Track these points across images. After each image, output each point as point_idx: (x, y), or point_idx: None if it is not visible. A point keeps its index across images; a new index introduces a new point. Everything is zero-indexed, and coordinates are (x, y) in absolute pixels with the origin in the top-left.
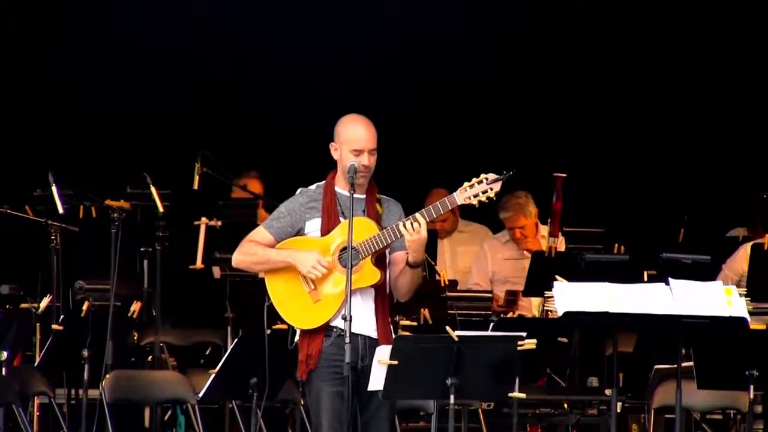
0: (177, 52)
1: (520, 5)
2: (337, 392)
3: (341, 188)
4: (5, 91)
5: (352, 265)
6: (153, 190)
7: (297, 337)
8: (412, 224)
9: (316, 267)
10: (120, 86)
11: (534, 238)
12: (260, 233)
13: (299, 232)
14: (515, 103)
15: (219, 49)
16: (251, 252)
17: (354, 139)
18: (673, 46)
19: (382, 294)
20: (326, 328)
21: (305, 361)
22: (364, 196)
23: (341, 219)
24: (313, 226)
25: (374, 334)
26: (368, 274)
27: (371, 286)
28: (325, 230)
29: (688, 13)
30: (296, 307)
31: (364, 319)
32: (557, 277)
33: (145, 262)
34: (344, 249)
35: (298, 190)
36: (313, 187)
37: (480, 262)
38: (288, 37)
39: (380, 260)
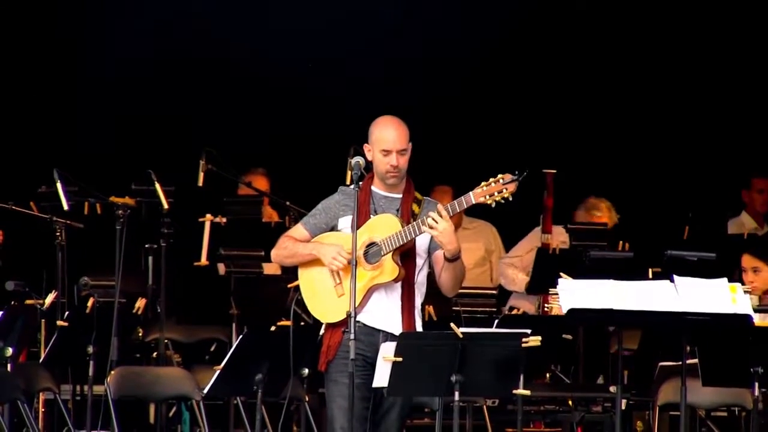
0: (181, 50)
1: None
2: (354, 385)
3: (377, 188)
4: (9, 87)
5: (375, 261)
6: (157, 186)
7: (322, 331)
8: (431, 219)
9: (337, 258)
10: (124, 82)
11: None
12: (297, 230)
13: (333, 229)
14: (515, 100)
15: (224, 46)
16: (283, 246)
17: (382, 140)
18: (675, 40)
19: (408, 291)
20: (347, 322)
21: (325, 352)
22: (400, 196)
23: (372, 216)
24: (346, 222)
25: (397, 331)
26: (388, 270)
27: (391, 282)
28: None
29: (686, 8)
30: (322, 301)
31: (388, 316)
32: (562, 274)
33: (150, 258)
34: (370, 245)
35: (339, 188)
36: (353, 185)
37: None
38: (292, 35)
39: (404, 257)
